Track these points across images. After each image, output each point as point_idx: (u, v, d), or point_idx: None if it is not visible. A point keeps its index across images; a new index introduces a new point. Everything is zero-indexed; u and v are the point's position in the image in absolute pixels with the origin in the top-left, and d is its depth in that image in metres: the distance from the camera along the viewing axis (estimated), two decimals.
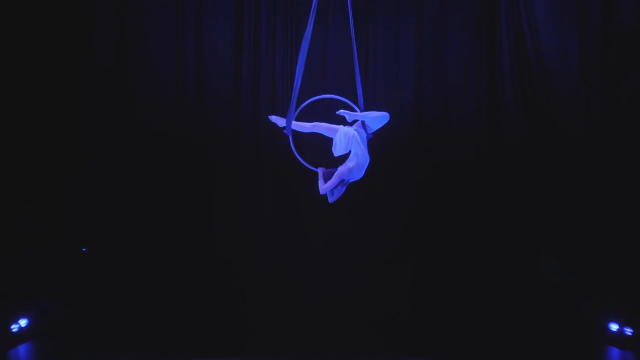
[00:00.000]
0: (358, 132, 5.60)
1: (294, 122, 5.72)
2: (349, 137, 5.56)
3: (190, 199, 8.40)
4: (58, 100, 8.07)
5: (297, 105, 5.70)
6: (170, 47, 8.45)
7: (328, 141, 5.78)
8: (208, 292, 8.35)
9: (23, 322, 7.49)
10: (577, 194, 8.06)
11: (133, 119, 8.33)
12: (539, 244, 8.29)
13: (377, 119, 5.58)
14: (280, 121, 5.80)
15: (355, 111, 5.80)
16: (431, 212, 8.50)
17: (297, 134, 5.86)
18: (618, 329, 7.45)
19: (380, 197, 8.51)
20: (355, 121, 5.71)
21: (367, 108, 5.86)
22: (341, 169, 5.57)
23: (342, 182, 5.55)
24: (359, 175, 5.61)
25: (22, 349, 7.47)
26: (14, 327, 7.40)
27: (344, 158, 5.70)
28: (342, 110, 5.67)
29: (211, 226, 8.45)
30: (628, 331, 7.35)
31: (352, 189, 8.26)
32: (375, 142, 8.36)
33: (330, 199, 5.61)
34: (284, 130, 5.75)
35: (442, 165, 8.50)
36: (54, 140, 8.04)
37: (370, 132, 5.65)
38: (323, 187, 5.56)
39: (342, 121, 5.76)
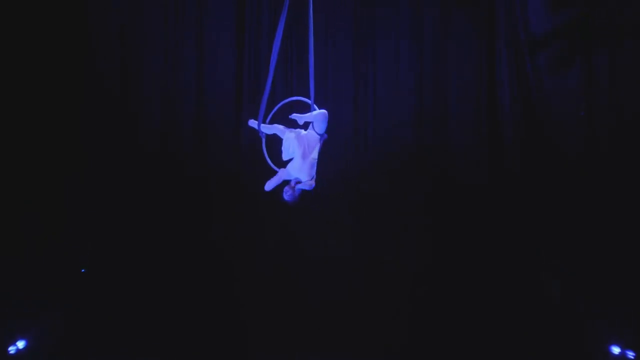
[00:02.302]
0: (307, 135, 5.64)
1: (263, 125, 5.89)
2: (289, 140, 5.69)
3: (190, 199, 8.40)
4: (58, 101, 8.08)
5: (270, 109, 5.95)
6: (170, 47, 8.45)
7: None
8: (208, 292, 8.34)
9: (21, 344, 7.49)
10: (579, 208, 8.06)
11: (133, 119, 8.34)
12: (539, 250, 8.28)
13: (317, 118, 5.60)
14: (256, 125, 5.96)
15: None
16: (432, 212, 8.48)
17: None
18: (620, 352, 7.42)
19: (381, 198, 8.50)
20: (308, 123, 5.75)
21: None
22: (281, 169, 5.72)
23: (286, 182, 5.62)
24: (299, 176, 5.61)
25: None
26: (12, 349, 7.39)
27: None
28: (294, 114, 5.76)
29: (211, 226, 8.45)
30: (630, 355, 7.32)
31: (353, 189, 8.42)
32: (376, 144, 8.53)
33: (285, 197, 5.63)
34: (259, 133, 5.90)
35: (442, 166, 8.51)
36: (54, 140, 8.05)
37: (319, 132, 5.63)
38: (268, 182, 5.73)
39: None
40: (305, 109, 6.07)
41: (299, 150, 5.63)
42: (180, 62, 8.47)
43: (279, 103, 6.28)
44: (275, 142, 6.04)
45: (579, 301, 7.92)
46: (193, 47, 8.47)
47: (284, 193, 5.61)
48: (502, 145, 8.48)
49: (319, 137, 5.66)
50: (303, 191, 5.65)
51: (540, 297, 8.20)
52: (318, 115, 5.61)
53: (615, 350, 7.46)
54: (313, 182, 5.67)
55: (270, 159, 5.95)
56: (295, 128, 5.89)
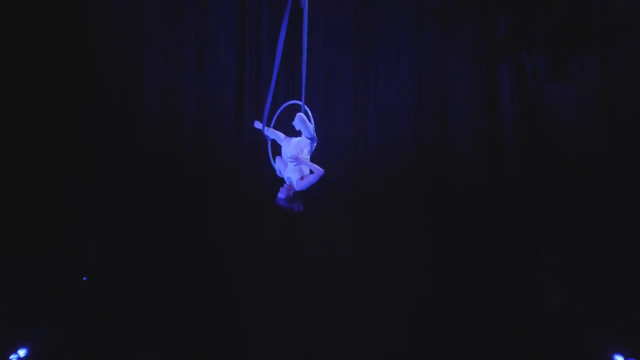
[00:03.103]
0: (300, 140, 5.81)
1: (267, 128, 6.03)
2: (285, 148, 5.88)
3: (190, 199, 8.40)
4: (58, 101, 8.08)
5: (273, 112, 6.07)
6: (171, 47, 8.45)
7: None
8: (208, 292, 8.34)
9: (22, 352, 7.50)
10: (579, 208, 8.07)
11: (133, 119, 8.34)
12: (539, 250, 8.28)
13: (297, 122, 5.79)
14: (261, 126, 6.09)
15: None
16: (432, 212, 8.49)
17: None
18: None
19: (381, 198, 8.51)
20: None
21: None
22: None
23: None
24: (291, 176, 5.76)
25: None
26: (13, 358, 7.41)
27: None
28: (294, 122, 5.88)
29: (211, 226, 8.45)
30: None
31: (353, 189, 8.42)
32: (376, 144, 8.54)
33: (280, 195, 5.75)
34: (264, 136, 6.07)
35: (442, 166, 8.52)
36: (54, 140, 8.05)
37: (307, 136, 5.76)
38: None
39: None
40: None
41: (286, 155, 5.84)
42: (180, 62, 8.47)
43: (280, 106, 6.31)
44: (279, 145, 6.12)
45: (579, 303, 7.92)
46: (193, 47, 8.47)
47: (280, 192, 5.68)
48: (502, 145, 8.50)
49: (309, 140, 5.78)
50: (299, 194, 5.70)
51: (541, 298, 8.21)
52: (295, 120, 5.79)
53: (619, 359, 7.45)
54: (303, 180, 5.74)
55: (274, 160, 6.01)
56: (295, 134, 5.98)
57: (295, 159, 5.64)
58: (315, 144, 5.81)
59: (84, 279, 8.24)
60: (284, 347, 8.30)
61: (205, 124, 8.50)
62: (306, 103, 5.86)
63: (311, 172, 5.68)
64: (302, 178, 5.66)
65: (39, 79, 7.94)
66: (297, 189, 5.65)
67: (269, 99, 5.90)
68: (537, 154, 8.29)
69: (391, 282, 8.45)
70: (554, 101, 8.29)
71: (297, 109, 5.93)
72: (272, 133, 6.06)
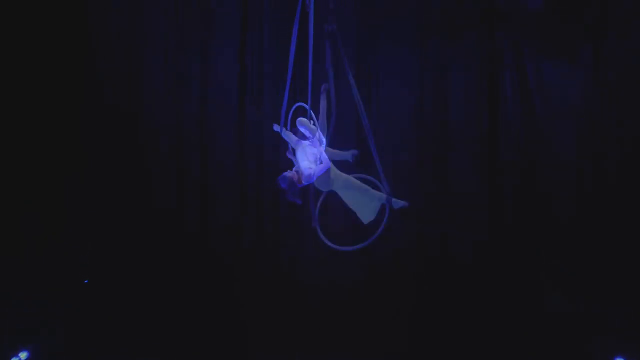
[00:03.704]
0: (307, 143, 5.97)
1: (284, 131, 6.09)
2: (298, 151, 6.03)
3: (190, 199, 8.40)
4: (58, 100, 8.09)
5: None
6: (171, 47, 8.46)
7: None
8: (208, 292, 8.35)
9: (23, 356, 7.51)
10: (579, 207, 8.08)
11: (133, 119, 8.34)
12: (539, 250, 8.29)
13: (298, 125, 5.94)
14: (279, 129, 6.16)
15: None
16: (431, 212, 8.49)
17: None
18: None
19: None
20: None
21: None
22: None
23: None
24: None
25: None
26: None
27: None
28: None
29: (211, 226, 8.45)
30: None
31: None
32: (377, 143, 8.50)
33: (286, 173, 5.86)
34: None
35: (442, 165, 8.52)
36: (54, 140, 8.06)
37: (309, 140, 5.92)
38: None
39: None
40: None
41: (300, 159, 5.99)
42: (181, 61, 8.47)
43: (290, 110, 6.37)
44: None
45: (580, 303, 7.92)
46: (193, 47, 8.47)
47: (287, 172, 5.81)
48: (502, 145, 8.49)
49: (316, 143, 5.90)
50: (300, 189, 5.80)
51: (541, 298, 8.21)
52: (297, 124, 5.94)
53: None
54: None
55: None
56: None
57: (312, 140, 5.81)
58: (324, 146, 5.90)
59: (86, 281, 8.25)
60: (284, 347, 8.30)
61: (205, 124, 8.50)
62: (306, 103, 5.89)
63: (321, 162, 5.83)
64: (310, 168, 5.76)
65: (39, 79, 7.96)
66: (303, 180, 5.75)
67: (285, 102, 5.90)
68: (537, 154, 8.29)
69: (391, 282, 8.45)
70: (554, 102, 8.30)
71: (305, 110, 5.97)
72: (286, 135, 6.15)
